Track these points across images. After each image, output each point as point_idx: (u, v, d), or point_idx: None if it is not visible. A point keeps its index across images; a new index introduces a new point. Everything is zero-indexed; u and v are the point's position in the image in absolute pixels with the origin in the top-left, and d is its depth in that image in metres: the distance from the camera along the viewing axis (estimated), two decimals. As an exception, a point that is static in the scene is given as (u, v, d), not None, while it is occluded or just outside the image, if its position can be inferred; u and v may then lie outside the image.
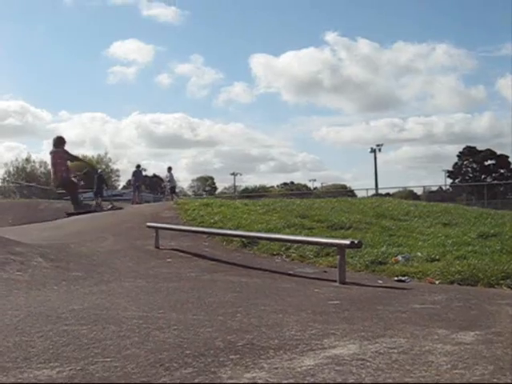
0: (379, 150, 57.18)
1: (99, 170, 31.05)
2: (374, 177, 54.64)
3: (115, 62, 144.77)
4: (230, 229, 10.59)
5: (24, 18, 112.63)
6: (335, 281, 6.36)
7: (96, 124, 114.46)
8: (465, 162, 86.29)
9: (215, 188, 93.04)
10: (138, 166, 31.18)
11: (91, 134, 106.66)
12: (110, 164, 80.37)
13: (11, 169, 71.77)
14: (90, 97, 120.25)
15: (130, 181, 31.36)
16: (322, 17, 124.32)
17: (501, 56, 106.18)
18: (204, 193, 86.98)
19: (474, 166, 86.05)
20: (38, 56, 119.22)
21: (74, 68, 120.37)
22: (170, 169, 31.54)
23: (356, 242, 6.54)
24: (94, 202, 28.52)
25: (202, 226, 11.17)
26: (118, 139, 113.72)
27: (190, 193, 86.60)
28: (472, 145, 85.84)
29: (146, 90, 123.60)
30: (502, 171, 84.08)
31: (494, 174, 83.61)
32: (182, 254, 8.96)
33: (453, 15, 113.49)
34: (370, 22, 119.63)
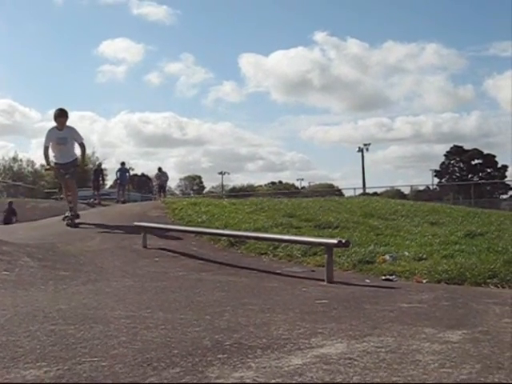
0: (367, 149, 57.54)
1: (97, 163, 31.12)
2: (361, 176, 54.87)
3: (104, 60, 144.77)
4: (218, 228, 10.58)
5: (13, 17, 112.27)
6: (323, 280, 6.37)
7: (85, 123, 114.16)
8: (452, 162, 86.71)
9: (203, 187, 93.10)
10: (123, 164, 31.15)
11: (80, 133, 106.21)
12: (97, 163, 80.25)
13: (-2, 168, 71.35)
14: (78, 96, 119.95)
15: (116, 179, 31.36)
16: (311, 16, 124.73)
17: (489, 56, 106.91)
18: (191, 192, 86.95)
19: (461, 165, 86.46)
20: (26, 55, 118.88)
21: (63, 67, 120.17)
22: (160, 169, 31.56)
23: (343, 241, 6.55)
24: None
25: (190, 226, 11.15)
26: (106, 138, 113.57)
27: (177, 192, 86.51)
28: (460, 144, 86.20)
29: (136, 89, 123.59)
30: (488, 170, 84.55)
31: (480, 174, 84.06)
32: (169, 253, 8.94)
33: (443, 14, 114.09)
34: (359, 21, 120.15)
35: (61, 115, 11.50)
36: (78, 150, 12.06)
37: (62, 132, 11.39)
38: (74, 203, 12.08)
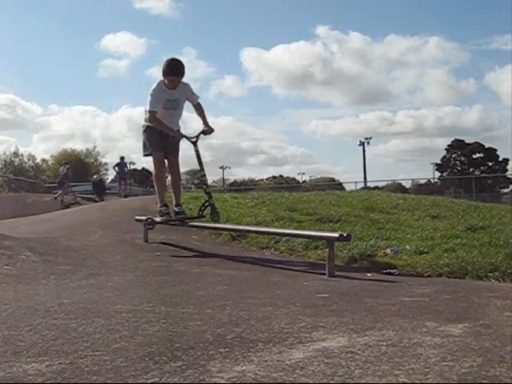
0: (368, 143, 57.54)
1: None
2: (362, 170, 54.83)
3: (107, 55, 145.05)
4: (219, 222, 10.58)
5: (15, 11, 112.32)
6: (324, 274, 6.37)
7: (86, 117, 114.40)
8: (453, 155, 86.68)
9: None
10: (122, 158, 31.17)
11: (81, 127, 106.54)
12: (98, 158, 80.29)
13: (-1, 162, 71.44)
14: (80, 90, 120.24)
15: (117, 174, 31.47)
16: (313, 10, 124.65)
17: (491, 49, 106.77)
18: (193, 186, 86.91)
19: (463, 159, 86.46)
20: (28, 49, 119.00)
21: (65, 61, 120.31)
22: None
23: (345, 235, 6.54)
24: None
25: (191, 220, 11.15)
26: (108, 133, 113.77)
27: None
28: (461, 138, 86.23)
29: (138, 84, 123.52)
30: (490, 164, 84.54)
31: (482, 167, 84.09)
32: (170, 247, 8.94)
33: (445, 8, 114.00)
34: (361, 15, 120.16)
35: (176, 72, 8.15)
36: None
37: (173, 92, 8.24)
38: (178, 192, 8.92)
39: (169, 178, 9.41)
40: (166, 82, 8.18)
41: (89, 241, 9.23)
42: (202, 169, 8.52)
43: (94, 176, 33.24)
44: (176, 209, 8.74)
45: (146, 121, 8.52)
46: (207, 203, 8.39)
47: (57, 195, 28.32)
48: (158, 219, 8.77)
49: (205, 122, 8.46)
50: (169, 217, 8.69)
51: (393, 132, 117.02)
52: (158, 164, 8.60)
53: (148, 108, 8.20)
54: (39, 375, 2.39)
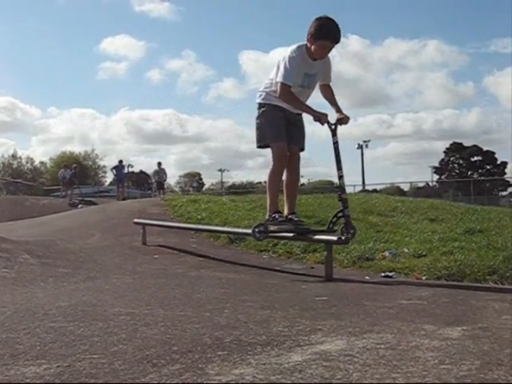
0: (366, 146, 57.58)
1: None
2: (361, 173, 54.87)
3: (106, 58, 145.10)
4: (217, 225, 10.60)
5: (14, 13, 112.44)
6: (322, 277, 6.37)
7: (85, 120, 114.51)
8: (451, 158, 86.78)
9: (202, 184, 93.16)
10: (120, 162, 31.35)
11: (80, 130, 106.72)
12: (97, 160, 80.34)
13: (-3, 165, 71.56)
14: (79, 93, 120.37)
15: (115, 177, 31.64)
16: (312, 13, 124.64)
17: (489, 52, 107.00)
18: (191, 189, 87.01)
19: (461, 162, 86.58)
20: (27, 52, 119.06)
21: (64, 64, 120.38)
22: (159, 164, 31.65)
23: (343, 238, 6.54)
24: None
25: (190, 223, 11.19)
26: (106, 135, 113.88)
27: (177, 189, 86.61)
28: (460, 141, 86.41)
29: (136, 86, 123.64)
30: (488, 167, 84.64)
31: (480, 170, 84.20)
32: (169, 250, 8.95)
33: (444, 11, 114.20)
34: (360, 18, 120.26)
35: (335, 37, 6.13)
36: None
37: (314, 64, 6.31)
38: (295, 195, 7.07)
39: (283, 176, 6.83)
40: (312, 48, 6.17)
41: (87, 243, 9.24)
42: (339, 167, 6.36)
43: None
44: (294, 218, 6.66)
45: (264, 98, 6.59)
46: (341, 214, 6.32)
47: (68, 198, 28.75)
48: (272, 228, 6.58)
49: (339, 109, 6.52)
50: (287, 226, 6.55)
51: (391, 135, 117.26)
52: (281, 157, 6.52)
53: (280, 79, 6.23)
54: (37, 378, 2.39)
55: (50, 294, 4.99)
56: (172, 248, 9.06)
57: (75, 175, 31.08)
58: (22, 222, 15.38)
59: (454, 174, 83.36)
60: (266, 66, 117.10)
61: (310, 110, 6.31)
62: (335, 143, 6.35)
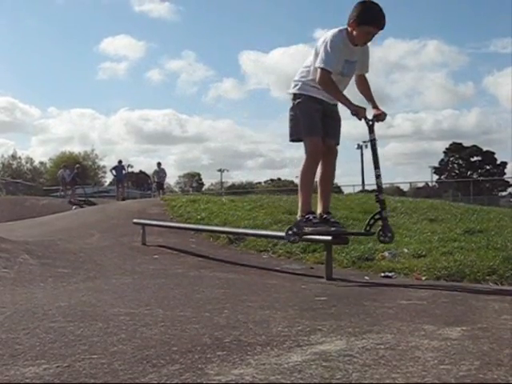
0: (366, 146, 57.39)
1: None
2: (360, 173, 54.86)
3: (106, 58, 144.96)
4: (217, 225, 10.60)
5: (14, 13, 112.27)
6: (322, 277, 6.37)
7: (85, 120, 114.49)
8: (451, 158, 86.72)
9: (202, 184, 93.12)
10: (120, 162, 31.38)
11: (80, 130, 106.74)
12: (96, 160, 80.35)
13: (-3, 165, 71.55)
14: (79, 93, 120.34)
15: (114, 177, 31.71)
16: (311, 14, 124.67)
17: (489, 53, 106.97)
18: (191, 189, 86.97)
19: (460, 162, 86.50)
20: (27, 52, 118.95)
21: (64, 64, 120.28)
22: (159, 164, 31.65)
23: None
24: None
25: (189, 223, 11.19)
26: (106, 135, 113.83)
27: (176, 189, 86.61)
28: (459, 141, 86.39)
29: (136, 87, 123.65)
30: (488, 167, 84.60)
31: (480, 171, 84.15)
32: (168, 250, 8.95)
33: (444, 11, 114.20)
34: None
35: (380, 23, 5.69)
36: None
37: (355, 50, 5.85)
38: (330, 194, 6.53)
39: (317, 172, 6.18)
40: (354, 33, 5.71)
41: (86, 243, 9.23)
42: (377, 166, 5.95)
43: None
44: (329, 218, 6.10)
45: (300, 89, 6.01)
46: (378, 216, 5.90)
47: (70, 197, 28.91)
48: (307, 229, 6.03)
49: (376, 105, 6.09)
50: (324, 228, 6.01)
51: (391, 135, 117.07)
52: (316, 153, 5.94)
53: (320, 64, 5.67)
54: (37, 378, 2.39)
55: (50, 294, 4.99)
56: (172, 248, 9.06)
57: (78, 175, 31.22)
58: (21, 222, 15.37)
59: (453, 174, 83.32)
60: (266, 66, 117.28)
61: (348, 102, 5.79)
62: (372, 140, 5.95)
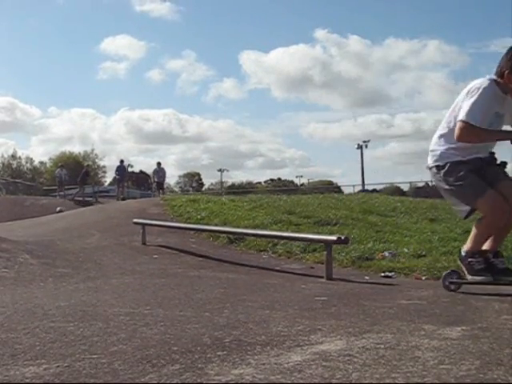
0: (366, 146, 57.38)
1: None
2: (361, 173, 54.80)
3: (106, 57, 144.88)
4: (217, 225, 10.61)
5: (14, 13, 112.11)
6: (322, 277, 6.37)
7: (85, 120, 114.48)
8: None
9: (202, 184, 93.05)
10: (122, 162, 31.41)
11: (80, 130, 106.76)
12: (96, 160, 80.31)
13: (-3, 165, 71.53)
14: (79, 93, 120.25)
15: (115, 177, 31.81)
16: (312, 14, 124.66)
17: (490, 52, 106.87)
18: (191, 189, 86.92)
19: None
20: (27, 51, 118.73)
21: (64, 64, 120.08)
22: (159, 164, 31.65)
23: (343, 237, 6.55)
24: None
25: (189, 223, 11.20)
26: (106, 135, 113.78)
27: (176, 189, 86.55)
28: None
29: (137, 86, 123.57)
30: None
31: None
32: (168, 250, 8.95)
33: (445, 11, 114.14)
34: (361, 18, 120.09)
35: None
36: None
37: (506, 101, 4.96)
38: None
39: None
40: (505, 81, 4.87)
41: (86, 243, 9.23)
42: None
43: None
44: (498, 264, 5.11)
45: (440, 159, 5.24)
46: None
47: (78, 195, 29.09)
48: (469, 277, 5.15)
49: None
50: (486, 278, 5.06)
51: (391, 135, 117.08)
52: (494, 210, 5.00)
53: (464, 117, 4.86)
54: (37, 378, 2.39)
55: (50, 293, 4.99)
56: (172, 248, 9.06)
57: (87, 173, 31.78)
58: (21, 221, 15.38)
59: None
60: (266, 66, 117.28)
61: (501, 135, 5.11)
62: None
